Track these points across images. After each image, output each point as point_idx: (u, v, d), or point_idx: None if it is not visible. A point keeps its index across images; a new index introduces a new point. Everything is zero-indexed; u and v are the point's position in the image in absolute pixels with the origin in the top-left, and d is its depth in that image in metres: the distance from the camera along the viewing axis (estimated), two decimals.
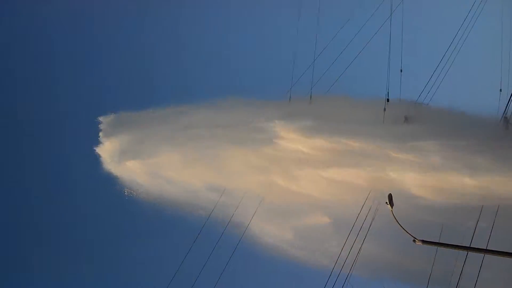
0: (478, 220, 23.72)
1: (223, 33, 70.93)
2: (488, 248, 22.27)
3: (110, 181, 34.65)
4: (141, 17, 67.24)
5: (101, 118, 36.39)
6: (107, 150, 35.63)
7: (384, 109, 31.55)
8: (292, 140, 30.22)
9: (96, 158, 35.56)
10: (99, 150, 35.85)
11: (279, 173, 31.17)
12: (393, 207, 22.95)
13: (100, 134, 36.15)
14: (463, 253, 24.08)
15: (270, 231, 33.66)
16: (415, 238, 22.45)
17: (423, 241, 22.17)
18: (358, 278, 29.32)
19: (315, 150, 29.85)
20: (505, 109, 30.89)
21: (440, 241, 24.16)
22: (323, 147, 29.58)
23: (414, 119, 30.45)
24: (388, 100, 32.32)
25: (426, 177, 27.27)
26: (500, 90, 36.70)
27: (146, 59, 66.76)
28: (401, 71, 35.63)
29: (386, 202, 22.88)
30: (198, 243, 33.85)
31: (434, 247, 24.76)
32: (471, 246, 22.88)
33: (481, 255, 22.92)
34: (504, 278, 29.12)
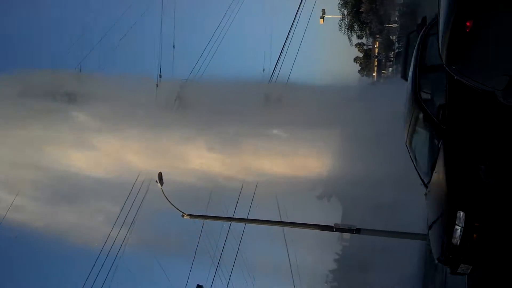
0: (240, 194, 25.67)
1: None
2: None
3: None
4: None
5: None
6: None
7: (157, 85, 32.00)
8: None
9: None
10: None
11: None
12: (163, 185, 23.45)
13: None
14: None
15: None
16: (183, 213, 23.25)
17: (191, 215, 23.12)
18: (132, 254, 29.53)
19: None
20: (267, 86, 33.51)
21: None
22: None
23: (185, 98, 31.37)
24: (160, 76, 32.89)
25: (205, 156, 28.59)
26: (263, 69, 39.89)
27: None
28: (173, 47, 36.68)
29: (156, 181, 23.22)
30: None
31: None
32: (234, 217, 24.63)
33: None
34: None
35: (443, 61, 5.32)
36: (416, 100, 10.09)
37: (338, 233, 25.56)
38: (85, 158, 30.08)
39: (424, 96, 10.06)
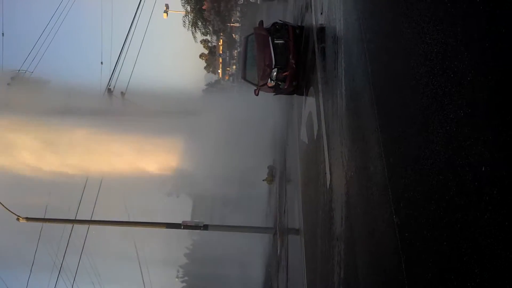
0: (82, 194, 24.53)
1: None
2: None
3: None
4: None
5: None
6: None
7: None
8: None
9: None
10: None
11: None
12: None
13: None
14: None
15: None
16: (18, 216, 21.76)
17: (28, 218, 21.75)
18: None
19: None
20: (109, 81, 32.63)
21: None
22: None
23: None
24: None
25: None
26: (102, 63, 39.61)
27: None
28: (2, 34, 34.67)
29: None
30: None
31: None
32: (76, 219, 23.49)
33: None
34: None
35: None
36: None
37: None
38: None
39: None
